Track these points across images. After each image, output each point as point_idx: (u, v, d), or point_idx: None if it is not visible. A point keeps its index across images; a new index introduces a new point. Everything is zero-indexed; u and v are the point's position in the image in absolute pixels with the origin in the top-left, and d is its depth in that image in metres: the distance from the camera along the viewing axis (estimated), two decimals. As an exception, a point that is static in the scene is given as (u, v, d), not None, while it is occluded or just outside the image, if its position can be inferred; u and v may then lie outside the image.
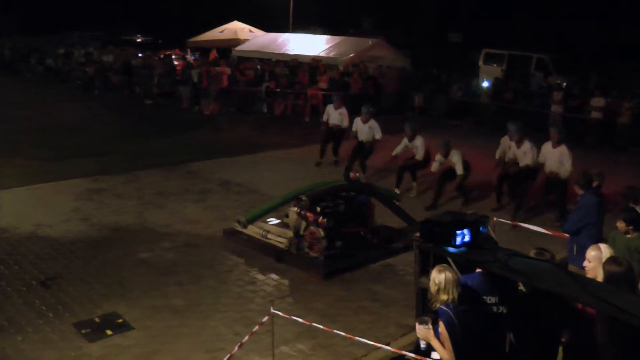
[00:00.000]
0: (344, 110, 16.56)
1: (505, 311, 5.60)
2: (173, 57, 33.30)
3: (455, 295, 5.29)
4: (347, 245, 9.87)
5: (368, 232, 10.31)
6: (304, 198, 9.85)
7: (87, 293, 8.83)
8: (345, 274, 9.49)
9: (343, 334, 6.55)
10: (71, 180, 14.46)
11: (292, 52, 30.97)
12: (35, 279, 9.23)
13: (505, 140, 12.81)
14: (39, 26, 61.72)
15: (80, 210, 12.47)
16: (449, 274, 5.33)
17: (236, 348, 6.53)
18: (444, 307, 5.28)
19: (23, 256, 10.15)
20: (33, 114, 23.30)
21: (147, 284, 9.16)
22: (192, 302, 8.59)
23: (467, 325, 5.27)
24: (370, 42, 30.43)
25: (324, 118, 16.62)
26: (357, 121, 15.34)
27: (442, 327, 5.27)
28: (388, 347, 6.56)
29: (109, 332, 7.78)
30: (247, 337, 6.55)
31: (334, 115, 16.40)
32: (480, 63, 31.05)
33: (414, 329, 5.68)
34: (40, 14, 69.96)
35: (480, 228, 5.95)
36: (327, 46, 30.85)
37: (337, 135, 16.47)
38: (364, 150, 15.12)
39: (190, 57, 35.64)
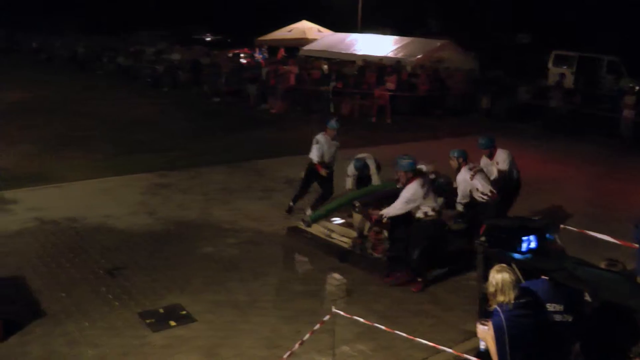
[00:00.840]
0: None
1: (570, 320, 5.46)
2: (241, 55, 33.67)
3: (512, 297, 5.17)
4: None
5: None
6: (357, 205, 9.94)
7: (152, 284, 9.00)
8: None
9: (404, 335, 6.50)
10: (138, 175, 14.77)
11: (359, 53, 30.96)
12: (103, 268, 9.47)
13: (483, 161, 10.99)
14: (111, 26, 63.19)
15: (146, 204, 12.72)
16: (507, 275, 5.22)
17: (297, 345, 6.55)
18: (497, 309, 5.18)
19: (91, 246, 10.42)
20: (104, 109, 23.91)
21: (210, 278, 9.28)
22: (254, 298, 8.66)
23: (518, 331, 5.14)
24: (438, 44, 30.21)
25: (317, 155, 11.86)
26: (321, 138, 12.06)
27: (490, 329, 5.17)
28: (449, 350, 6.48)
29: (172, 323, 7.92)
30: (308, 335, 6.57)
31: (332, 149, 12.18)
32: (550, 65, 30.35)
33: (475, 335, 5.60)
34: (113, 14, 71.58)
35: (547, 235, 5.82)
36: (395, 47, 30.74)
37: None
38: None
39: (258, 56, 35.95)
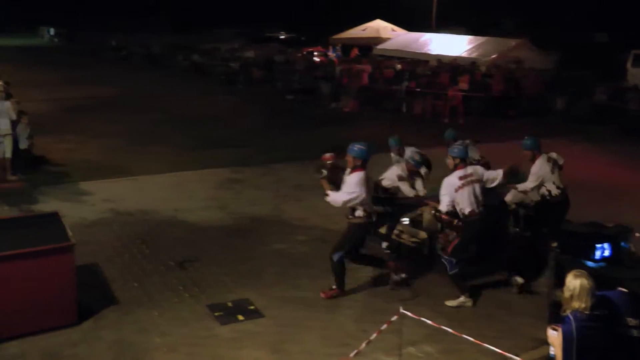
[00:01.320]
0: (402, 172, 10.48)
1: None
2: (315, 53, 33.77)
3: (588, 304, 4.99)
4: (481, 250, 9.64)
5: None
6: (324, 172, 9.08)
7: (222, 278, 9.14)
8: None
9: (472, 339, 6.42)
10: (211, 170, 15.01)
11: (433, 52, 30.71)
12: (174, 260, 9.67)
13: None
14: (186, 24, 64.38)
15: (218, 199, 12.92)
16: (585, 281, 5.04)
17: (363, 345, 6.55)
18: (570, 317, 4.99)
19: (163, 238, 10.66)
20: (178, 105, 24.41)
21: (279, 274, 9.36)
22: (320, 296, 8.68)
23: (588, 343, 4.96)
24: (513, 43, 29.67)
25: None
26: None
27: (559, 335, 5.02)
28: (517, 358, 6.35)
29: (240, 317, 8.03)
30: (375, 335, 6.56)
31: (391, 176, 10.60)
32: (629, 65, 29.24)
33: (545, 342, 5.47)
34: (188, 13, 72.94)
35: (622, 243, 5.63)
36: (469, 46, 30.38)
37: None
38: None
39: (332, 54, 36.02)
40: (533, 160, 9.57)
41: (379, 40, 36.99)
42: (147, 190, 13.47)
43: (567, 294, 5.08)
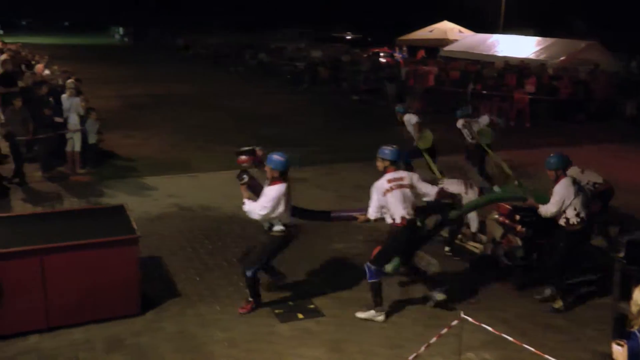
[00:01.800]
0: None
1: None
2: (381, 54, 33.70)
3: None
4: (544, 258, 9.46)
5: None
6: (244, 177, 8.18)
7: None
8: (538, 287, 9.05)
9: (532, 349, 6.29)
10: (275, 169, 15.07)
11: (500, 54, 30.28)
12: (235, 256, 9.75)
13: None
14: (253, 23, 65.09)
15: (280, 197, 12.96)
16: None
17: (422, 348, 6.50)
18: (637, 333, 4.78)
19: (226, 234, 10.80)
20: (243, 104, 24.68)
21: (339, 274, 9.38)
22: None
23: None
24: (583, 45, 29.00)
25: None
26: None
27: (624, 352, 4.82)
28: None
29: (300, 315, 8.08)
30: (434, 339, 6.50)
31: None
32: None
33: (608, 357, 5.31)
34: (255, 12, 73.71)
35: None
36: (537, 48, 29.84)
37: None
38: None
39: (398, 55, 35.91)
40: (557, 181, 8.40)
41: (446, 41, 36.70)
42: (209, 187, 13.66)
43: (634, 308, 4.88)
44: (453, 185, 9.76)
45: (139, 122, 20.54)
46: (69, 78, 15.98)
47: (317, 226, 11.36)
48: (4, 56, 21.14)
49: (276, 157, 7.80)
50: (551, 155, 8.62)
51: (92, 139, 14.49)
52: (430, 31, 39.42)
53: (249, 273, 7.99)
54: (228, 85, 30.46)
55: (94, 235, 7.63)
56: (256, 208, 7.74)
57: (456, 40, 36.45)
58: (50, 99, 14.38)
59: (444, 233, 10.30)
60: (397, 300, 8.58)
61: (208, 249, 10.14)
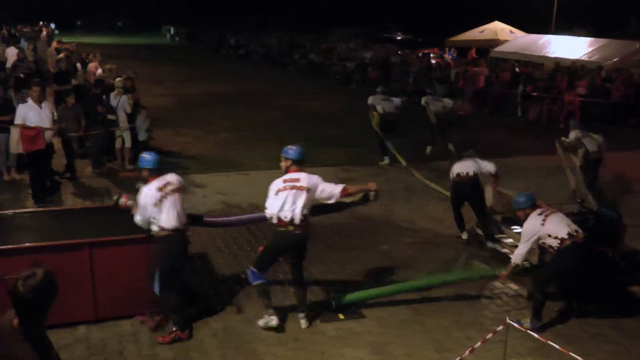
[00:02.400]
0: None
1: None
2: (431, 55, 33.52)
3: None
4: (593, 265, 9.26)
5: (617, 254, 9.57)
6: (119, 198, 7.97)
7: (327, 275, 9.23)
8: (587, 295, 8.94)
9: (579, 358, 6.18)
10: (322, 168, 15.05)
11: (552, 55, 29.83)
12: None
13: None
14: (305, 23, 65.35)
15: (329, 197, 12.98)
16: None
17: (467, 352, 6.44)
18: None
19: (272, 233, 10.79)
20: (293, 103, 24.78)
21: (384, 275, 9.34)
22: (427, 299, 8.60)
23: None
24: (637, 45, 28.34)
25: None
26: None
27: None
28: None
29: (341, 316, 8.06)
30: (479, 343, 6.44)
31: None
32: None
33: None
34: (307, 12, 73.99)
35: None
36: (590, 49, 29.25)
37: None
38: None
39: (447, 56, 35.66)
40: (526, 219, 8.12)
41: (497, 42, 36.32)
42: (258, 185, 13.66)
43: None
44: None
45: (191, 120, 20.78)
46: (119, 76, 16.26)
47: (365, 227, 11.36)
48: (60, 55, 21.66)
49: (146, 156, 7.66)
50: (518, 194, 8.44)
51: (142, 137, 14.70)
52: (481, 32, 39.03)
53: (157, 291, 7.43)
54: (279, 84, 30.65)
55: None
56: (135, 216, 7.51)
57: (507, 40, 36.03)
58: (104, 97, 14.65)
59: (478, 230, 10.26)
60: (444, 304, 8.53)
61: (254, 246, 10.17)
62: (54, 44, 29.22)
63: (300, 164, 7.96)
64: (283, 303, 8.24)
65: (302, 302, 7.91)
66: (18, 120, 11.59)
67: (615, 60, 27.07)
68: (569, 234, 7.82)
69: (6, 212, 8.91)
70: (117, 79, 15.50)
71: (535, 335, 6.51)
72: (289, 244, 7.61)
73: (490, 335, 6.49)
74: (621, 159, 17.11)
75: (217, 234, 10.61)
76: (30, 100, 11.81)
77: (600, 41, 30.25)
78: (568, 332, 7.91)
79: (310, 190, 7.60)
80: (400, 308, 8.31)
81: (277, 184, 7.74)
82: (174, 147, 16.91)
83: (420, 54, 35.89)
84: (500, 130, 21.20)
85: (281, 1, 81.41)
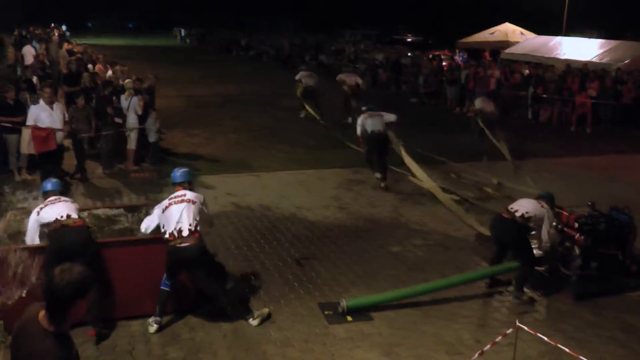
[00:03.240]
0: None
1: None
2: (442, 57, 33.47)
3: None
4: (603, 268, 9.22)
5: (627, 257, 9.53)
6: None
7: (337, 277, 9.21)
8: (598, 298, 8.88)
9: (590, 362, 6.15)
10: (333, 170, 15.14)
11: (563, 57, 29.68)
12: (291, 257, 9.85)
13: None
14: (315, 24, 65.38)
15: (338, 199, 13.02)
16: None
17: (476, 355, 6.42)
18: None
19: (282, 234, 10.86)
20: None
21: (394, 277, 9.33)
22: (437, 301, 8.58)
23: None
24: (649, 47, 28.18)
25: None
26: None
27: None
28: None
29: (349, 318, 8.04)
30: (488, 346, 6.42)
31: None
32: None
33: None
34: (317, 13, 74.04)
35: None
36: (601, 51, 29.06)
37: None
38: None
39: (458, 58, 35.61)
40: None
41: (507, 44, 36.21)
42: (268, 187, 13.77)
43: None
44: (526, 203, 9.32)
45: (202, 121, 20.84)
46: (128, 78, 16.33)
47: (375, 228, 11.36)
48: (70, 57, 21.79)
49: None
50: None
51: (152, 138, 14.76)
52: (492, 33, 38.93)
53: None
54: (290, 85, 30.65)
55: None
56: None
57: (518, 42, 35.91)
58: (114, 98, 14.72)
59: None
60: (454, 306, 8.51)
61: (264, 248, 10.21)
62: (65, 46, 29.40)
63: (185, 184, 8.03)
64: (291, 304, 8.25)
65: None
66: (30, 121, 11.70)
67: (626, 61, 26.87)
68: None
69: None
70: (127, 81, 15.57)
71: (545, 338, 6.48)
72: (177, 259, 7.48)
73: (499, 338, 6.48)
74: (633, 161, 17.08)
75: (227, 236, 10.64)
76: (41, 102, 11.92)
77: (612, 43, 30.07)
78: (579, 336, 7.86)
79: (196, 203, 7.70)
80: (411, 310, 8.30)
81: (163, 204, 7.79)
82: (185, 148, 16.98)
83: (430, 56, 35.80)
84: (510, 132, 21.10)
85: (292, 3, 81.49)
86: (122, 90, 15.11)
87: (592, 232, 9.08)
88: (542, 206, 8.80)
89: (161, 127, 15.94)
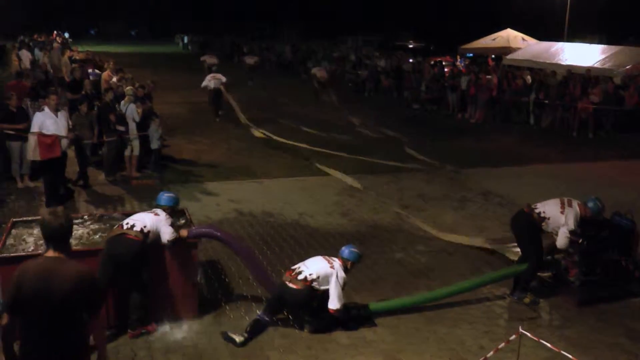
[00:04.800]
0: None
1: None
2: (443, 63, 33.51)
3: None
4: (606, 274, 9.18)
5: (631, 263, 9.49)
6: None
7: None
8: (602, 304, 8.85)
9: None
10: (336, 177, 15.10)
11: (565, 62, 29.66)
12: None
13: None
14: (318, 31, 65.47)
15: (341, 205, 13.02)
16: None
17: (480, 361, 6.42)
18: None
19: (284, 240, 10.86)
20: (305, 111, 24.85)
21: (397, 284, 9.32)
22: (441, 308, 8.57)
23: None
24: (652, 52, 28.13)
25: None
26: None
27: None
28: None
29: (352, 324, 8.00)
30: (491, 353, 6.42)
31: None
32: None
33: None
34: (320, 20, 74.16)
35: None
36: (603, 56, 29.03)
37: None
38: None
39: (460, 64, 35.63)
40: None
41: (509, 49, 36.20)
42: (272, 193, 13.76)
43: None
44: (550, 206, 9.13)
45: (203, 128, 20.85)
46: (132, 85, 16.35)
47: (378, 235, 11.35)
48: (74, 65, 21.84)
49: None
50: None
51: (154, 145, 14.76)
52: (493, 39, 38.94)
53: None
54: (291, 92, 30.76)
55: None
56: None
57: (519, 48, 35.90)
58: (117, 105, 14.72)
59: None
60: (458, 312, 8.50)
61: (267, 255, 10.20)
62: (67, 53, 29.46)
63: (166, 209, 8.07)
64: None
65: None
66: (35, 128, 11.71)
67: (628, 67, 26.86)
68: None
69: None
70: (128, 88, 15.57)
71: (549, 345, 6.47)
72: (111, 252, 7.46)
73: (502, 344, 6.47)
74: (635, 167, 17.07)
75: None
76: (46, 109, 11.93)
77: (614, 48, 30.06)
78: (583, 342, 7.84)
79: (160, 216, 7.79)
80: (414, 316, 8.29)
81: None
82: (187, 154, 16.98)
83: (432, 62, 35.85)
84: (512, 138, 21.14)
85: (294, 9, 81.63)
86: (124, 97, 15.12)
87: (594, 238, 9.05)
88: (564, 212, 8.81)
89: (164, 133, 15.95)
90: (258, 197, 13.42)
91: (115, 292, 7.57)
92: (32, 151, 11.98)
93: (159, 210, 7.92)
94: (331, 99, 25.13)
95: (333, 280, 7.80)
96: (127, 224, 7.57)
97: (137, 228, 7.50)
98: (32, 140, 11.91)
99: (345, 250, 8.13)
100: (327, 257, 8.09)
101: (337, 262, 7.95)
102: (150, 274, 7.60)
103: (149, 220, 7.63)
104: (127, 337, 7.50)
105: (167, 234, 7.62)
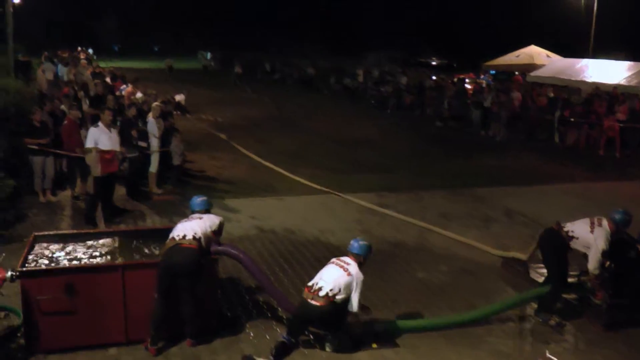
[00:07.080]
0: None
1: None
2: (467, 80, 33.41)
3: None
4: (634, 297, 8.97)
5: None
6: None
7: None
8: (629, 328, 8.65)
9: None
10: (358, 193, 14.99)
11: (590, 80, 29.43)
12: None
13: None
14: (341, 47, 65.57)
15: (362, 222, 12.89)
16: None
17: (505, 385, 6.26)
18: None
19: (304, 257, 10.77)
20: (328, 128, 24.81)
21: (419, 303, 9.17)
22: (462, 327, 8.41)
23: None
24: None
25: None
26: None
27: None
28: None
29: (374, 345, 7.89)
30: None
31: None
32: None
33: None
34: (343, 36, 74.33)
35: None
36: (630, 73, 28.74)
37: None
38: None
39: (483, 81, 35.48)
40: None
41: (533, 66, 36.04)
42: (293, 210, 13.68)
43: None
44: (579, 226, 8.91)
45: (225, 144, 20.84)
46: (155, 101, 16.39)
47: (399, 253, 11.22)
48: (97, 80, 21.97)
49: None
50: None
51: (176, 160, 14.75)
52: (517, 56, 38.80)
53: None
54: (314, 108, 30.78)
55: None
56: None
57: (543, 65, 35.72)
58: (139, 121, 14.74)
59: None
60: (480, 334, 8.33)
61: (287, 272, 10.11)
62: (90, 69, 29.72)
63: (202, 212, 8.39)
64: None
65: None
66: (90, 143, 11.75)
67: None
68: None
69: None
70: (154, 104, 15.59)
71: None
72: (169, 263, 7.52)
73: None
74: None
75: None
76: (101, 124, 11.96)
77: (640, 65, 29.79)
78: (610, 365, 7.66)
79: (204, 219, 8.12)
80: (436, 337, 8.14)
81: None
82: (209, 170, 16.95)
83: (455, 79, 35.76)
84: (536, 155, 20.92)
85: (317, 25, 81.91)
86: (147, 112, 15.13)
87: (622, 259, 8.86)
88: (593, 232, 8.57)
89: (185, 149, 15.94)
90: (279, 213, 13.34)
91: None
92: (94, 166, 11.92)
93: (199, 215, 8.16)
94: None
95: (354, 286, 7.74)
96: (178, 235, 7.64)
97: (190, 237, 7.59)
98: (92, 156, 11.87)
99: (355, 245, 8.07)
100: (339, 261, 7.97)
101: (352, 265, 7.85)
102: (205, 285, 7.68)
103: (197, 227, 7.79)
104: (144, 353, 7.42)
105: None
